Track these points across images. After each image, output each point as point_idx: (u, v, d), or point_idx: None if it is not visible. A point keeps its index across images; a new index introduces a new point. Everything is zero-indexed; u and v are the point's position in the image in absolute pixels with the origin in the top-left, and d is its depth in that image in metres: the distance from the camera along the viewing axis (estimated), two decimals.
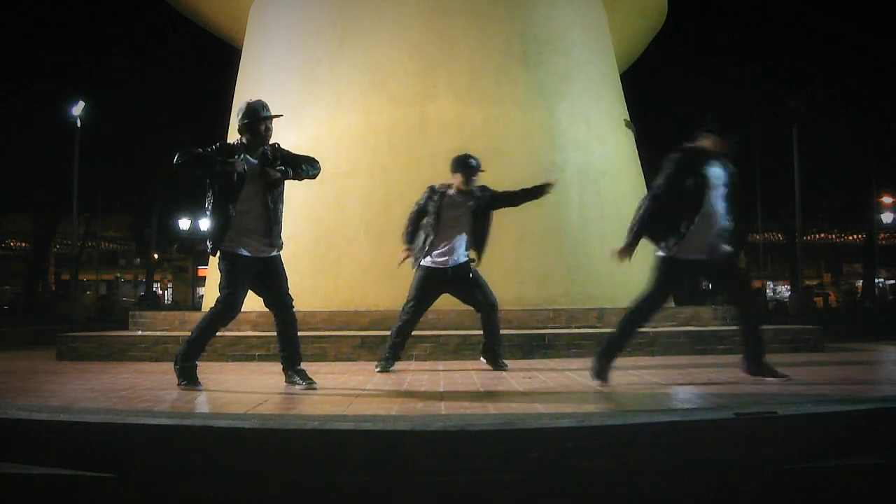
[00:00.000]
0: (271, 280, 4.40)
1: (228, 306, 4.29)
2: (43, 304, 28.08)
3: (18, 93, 21.87)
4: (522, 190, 5.39)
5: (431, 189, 5.38)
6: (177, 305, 32.31)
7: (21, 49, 22.25)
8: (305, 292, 8.02)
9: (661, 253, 4.47)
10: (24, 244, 35.98)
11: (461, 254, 5.33)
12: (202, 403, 3.99)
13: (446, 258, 5.28)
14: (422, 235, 5.32)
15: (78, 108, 18.56)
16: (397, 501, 2.76)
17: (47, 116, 20.73)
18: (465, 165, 5.29)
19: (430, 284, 5.31)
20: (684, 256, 4.39)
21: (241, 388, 4.46)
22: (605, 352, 4.48)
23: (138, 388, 4.36)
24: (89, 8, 22.15)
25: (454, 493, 2.74)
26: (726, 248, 4.45)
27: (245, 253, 4.29)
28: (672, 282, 4.57)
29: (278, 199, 4.42)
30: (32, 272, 30.22)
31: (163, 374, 5.25)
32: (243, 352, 6.29)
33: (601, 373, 4.41)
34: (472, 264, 5.39)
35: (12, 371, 5.64)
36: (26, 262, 31.74)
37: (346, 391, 4.29)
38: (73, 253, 23.12)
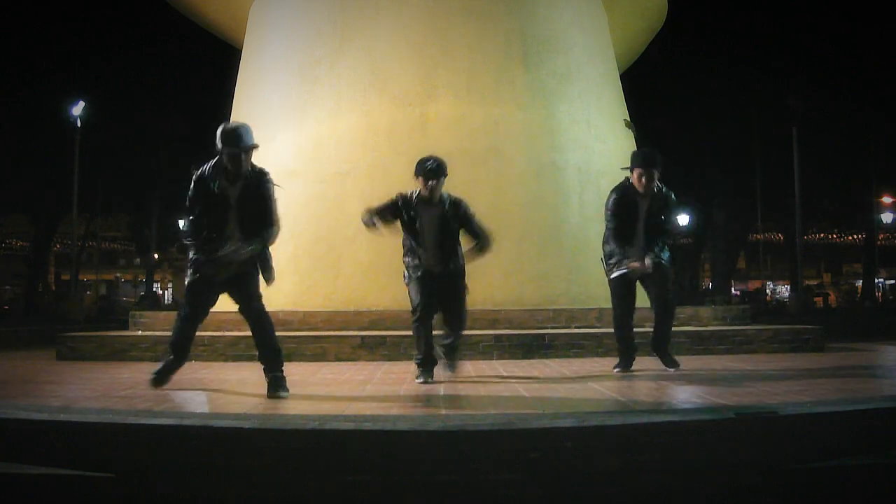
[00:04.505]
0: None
1: None
2: (43, 304, 28.10)
3: (18, 93, 21.88)
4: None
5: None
6: (177, 305, 32.26)
7: (21, 49, 22.26)
8: (305, 292, 8.05)
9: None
10: (24, 244, 36.01)
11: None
12: (202, 403, 4.00)
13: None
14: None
15: (78, 108, 18.57)
16: (397, 501, 2.76)
17: (47, 117, 20.74)
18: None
19: None
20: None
21: (241, 388, 4.46)
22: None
23: (138, 388, 4.36)
24: (89, 8, 22.16)
25: (454, 493, 2.74)
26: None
27: None
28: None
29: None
30: (32, 272, 30.25)
31: None
32: (243, 352, 6.27)
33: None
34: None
35: (12, 371, 5.64)
36: (26, 262, 31.78)
37: (346, 391, 4.29)
38: (73, 253, 23.12)
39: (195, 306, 4.36)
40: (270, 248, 4.35)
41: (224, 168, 4.20)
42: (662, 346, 5.35)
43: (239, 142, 4.15)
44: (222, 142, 4.16)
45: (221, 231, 4.21)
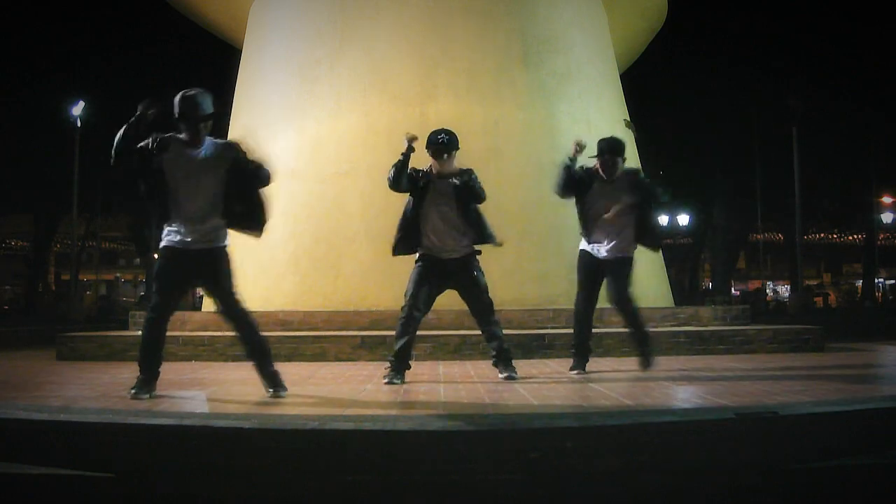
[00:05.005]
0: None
1: None
2: (43, 304, 28.11)
3: (18, 93, 21.88)
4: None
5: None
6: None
7: (21, 49, 22.25)
8: (305, 292, 8.05)
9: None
10: (24, 244, 36.03)
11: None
12: (202, 403, 4.00)
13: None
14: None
15: (78, 108, 18.57)
16: (397, 501, 2.76)
17: (47, 117, 20.74)
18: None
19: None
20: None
21: (241, 388, 4.46)
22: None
23: None
24: (89, 8, 22.15)
25: (454, 493, 2.74)
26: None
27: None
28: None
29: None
30: (32, 272, 30.27)
31: (162, 375, 5.24)
32: (243, 352, 6.27)
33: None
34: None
35: (12, 371, 5.64)
36: (26, 262, 31.80)
37: (346, 391, 4.29)
38: (73, 253, 23.13)
39: (165, 297, 4.07)
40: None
41: (181, 139, 3.95)
42: (639, 346, 5.26)
43: (195, 110, 3.89)
44: (178, 110, 3.91)
45: (184, 211, 3.96)
